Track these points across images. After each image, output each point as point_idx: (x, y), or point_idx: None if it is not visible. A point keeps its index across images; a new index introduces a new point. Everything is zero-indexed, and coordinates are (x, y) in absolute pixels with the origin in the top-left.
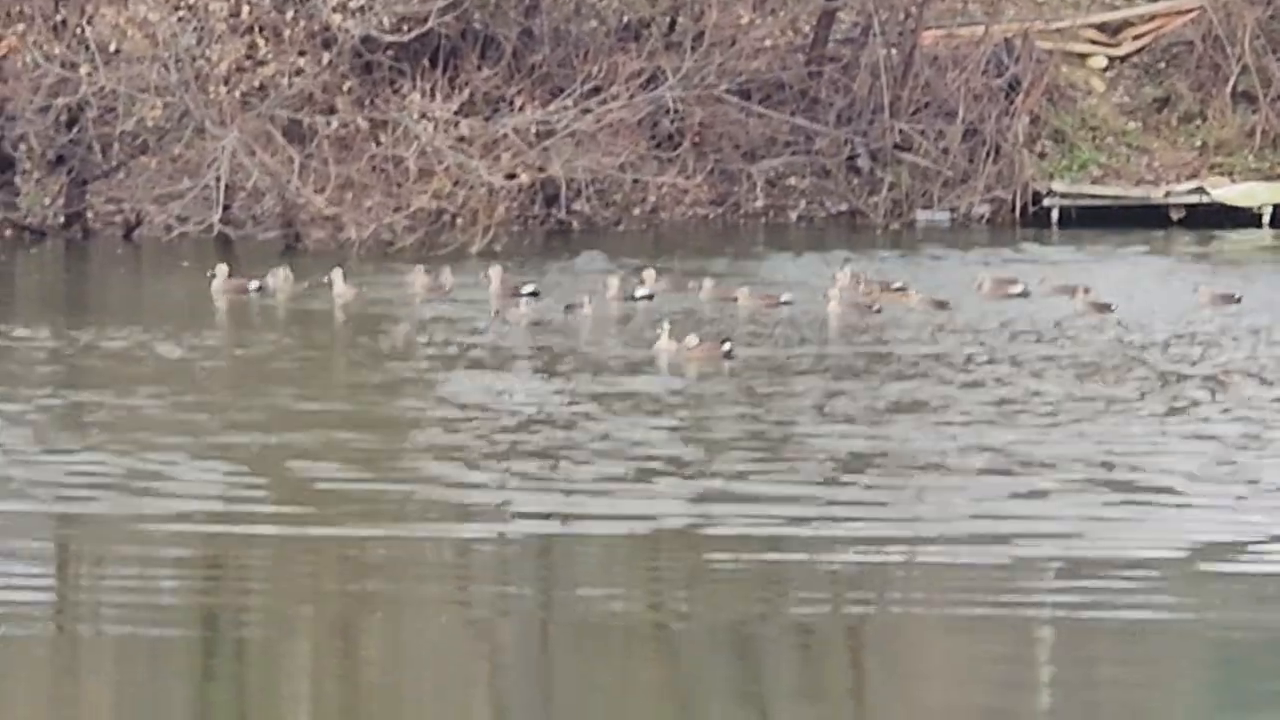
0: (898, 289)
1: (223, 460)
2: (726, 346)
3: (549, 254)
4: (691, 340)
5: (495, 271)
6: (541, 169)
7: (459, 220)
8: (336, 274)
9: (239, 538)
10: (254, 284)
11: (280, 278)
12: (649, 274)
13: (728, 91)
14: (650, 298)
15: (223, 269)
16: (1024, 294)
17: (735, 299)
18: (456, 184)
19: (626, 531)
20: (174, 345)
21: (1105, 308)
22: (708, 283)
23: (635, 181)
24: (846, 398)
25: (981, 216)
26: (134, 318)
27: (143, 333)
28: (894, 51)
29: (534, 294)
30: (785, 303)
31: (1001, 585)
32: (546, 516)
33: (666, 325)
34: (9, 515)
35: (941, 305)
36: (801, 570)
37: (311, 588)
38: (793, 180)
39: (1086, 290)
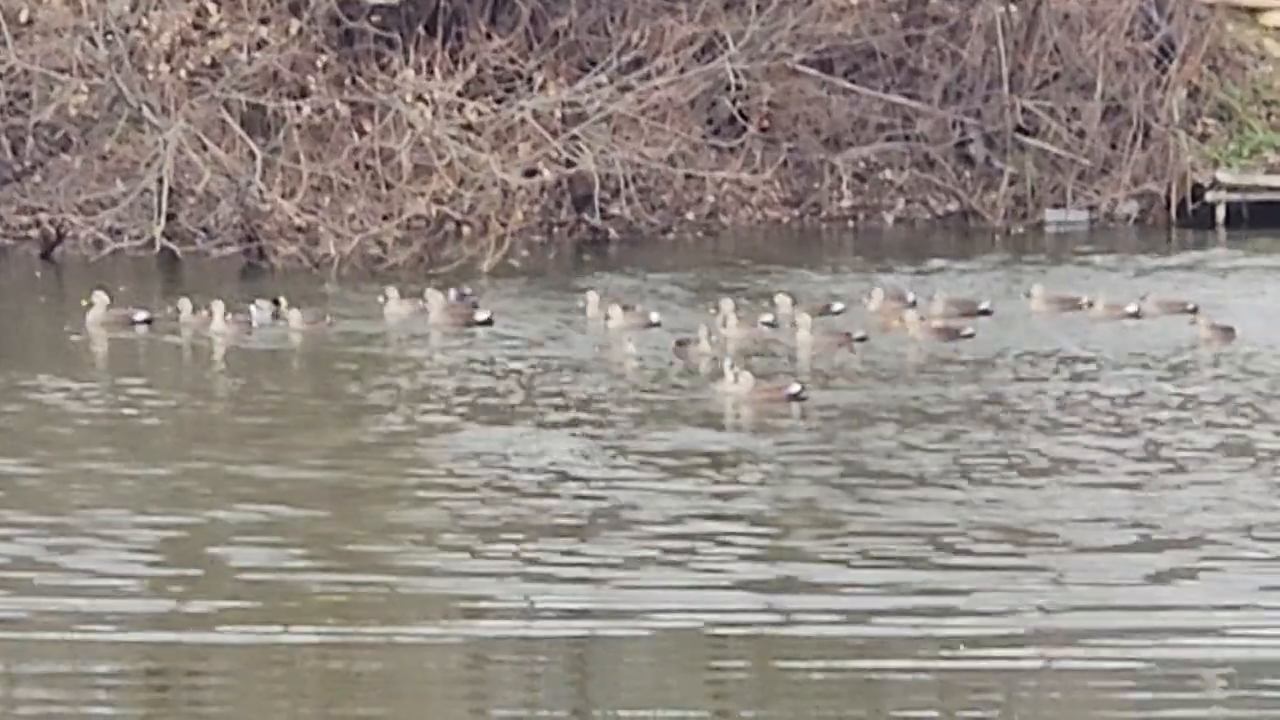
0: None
1: (166, 544)
2: (795, 388)
3: (580, 270)
4: (746, 380)
5: (592, 296)
6: (570, 163)
7: (466, 229)
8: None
9: (190, 647)
10: (140, 315)
11: (266, 311)
12: (726, 305)
13: (803, 63)
14: (773, 324)
15: (101, 298)
16: (1136, 314)
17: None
18: (462, 183)
19: (678, 628)
20: (103, 394)
21: (1228, 333)
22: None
23: (688, 177)
24: (943, 453)
25: (1128, 216)
26: (51, 360)
27: (62, 379)
28: (1014, 9)
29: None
30: (860, 339)
31: (1155, 693)
32: (578, 612)
33: (729, 363)
34: None
35: (955, 332)
36: (902, 678)
37: (287, 712)
38: (889, 174)
39: (1195, 309)
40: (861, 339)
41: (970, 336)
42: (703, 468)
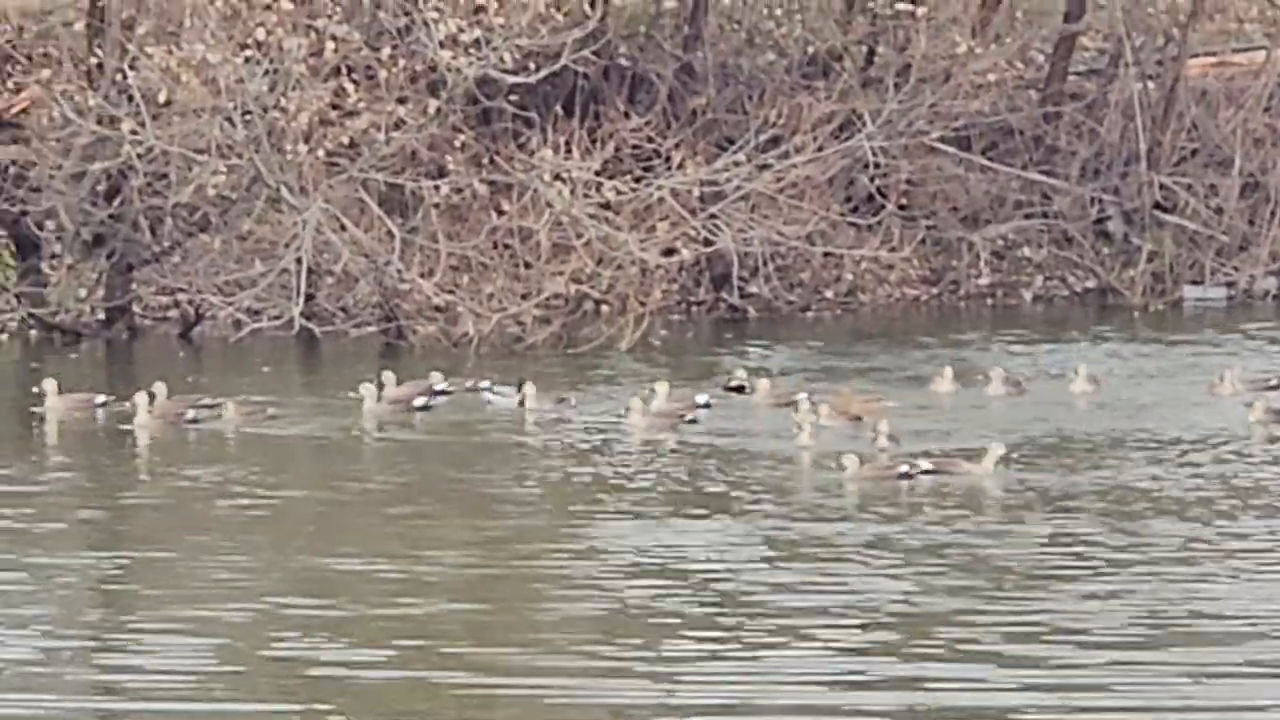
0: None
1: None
2: (904, 468)
3: (719, 348)
4: (850, 462)
5: (765, 385)
6: (708, 242)
7: (604, 308)
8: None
9: None
10: (100, 399)
11: (511, 396)
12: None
13: (941, 140)
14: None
15: (51, 384)
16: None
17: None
18: (600, 262)
19: None
20: (244, 483)
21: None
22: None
23: (827, 255)
24: (1101, 543)
25: (1267, 293)
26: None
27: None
28: (1152, 86)
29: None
30: (691, 421)
31: None
32: (725, 711)
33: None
34: None
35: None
36: None
37: None
38: (1027, 251)
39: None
40: (692, 421)
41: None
42: (817, 554)
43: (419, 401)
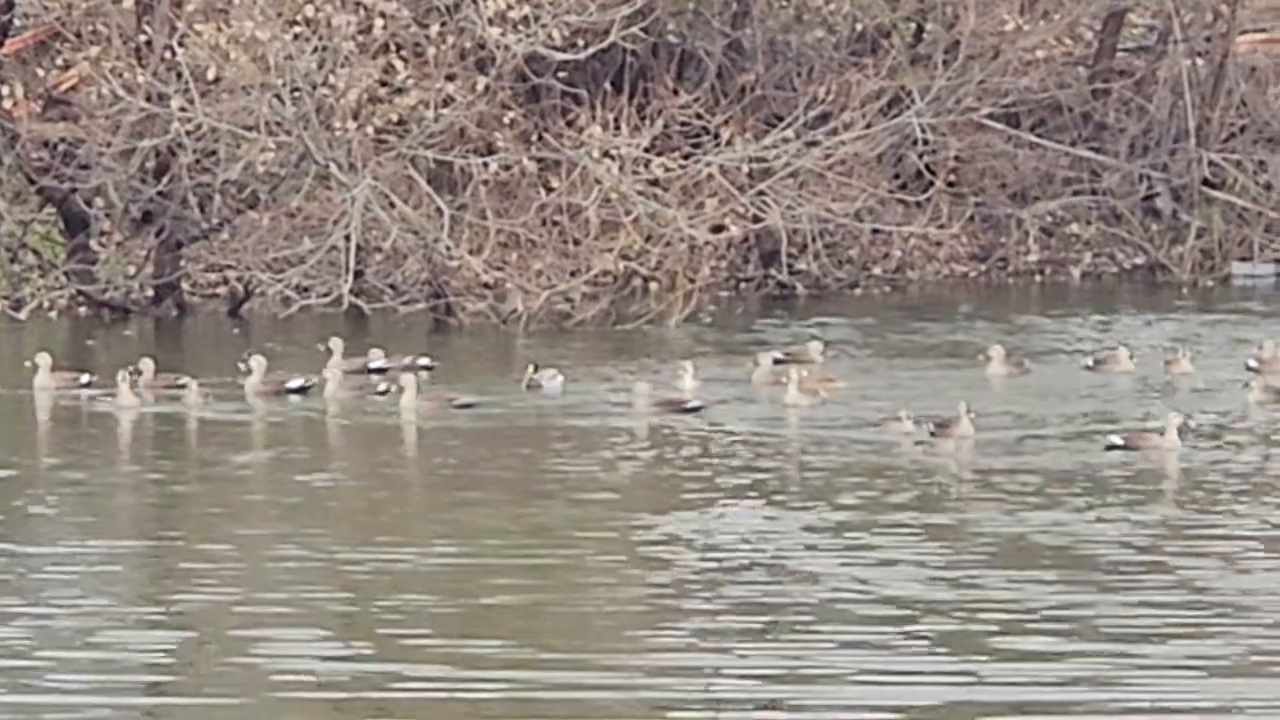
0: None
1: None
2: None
3: (768, 324)
4: (908, 426)
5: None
6: (757, 218)
7: (653, 285)
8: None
9: None
10: (85, 378)
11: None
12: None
13: (990, 117)
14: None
15: (45, 359)
16: None
17: None
18: (649, 239)
19: None
20: (280, 467)
21: None
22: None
23: (875, 232)
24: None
25: None
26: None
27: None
28: (1201, 62)
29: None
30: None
31: None
32: (770, 706)
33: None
34: None
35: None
36: None
37: None
38: (1075, 228)
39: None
40: (465, 405)
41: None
42: (896, 537)
43: (293, 384)
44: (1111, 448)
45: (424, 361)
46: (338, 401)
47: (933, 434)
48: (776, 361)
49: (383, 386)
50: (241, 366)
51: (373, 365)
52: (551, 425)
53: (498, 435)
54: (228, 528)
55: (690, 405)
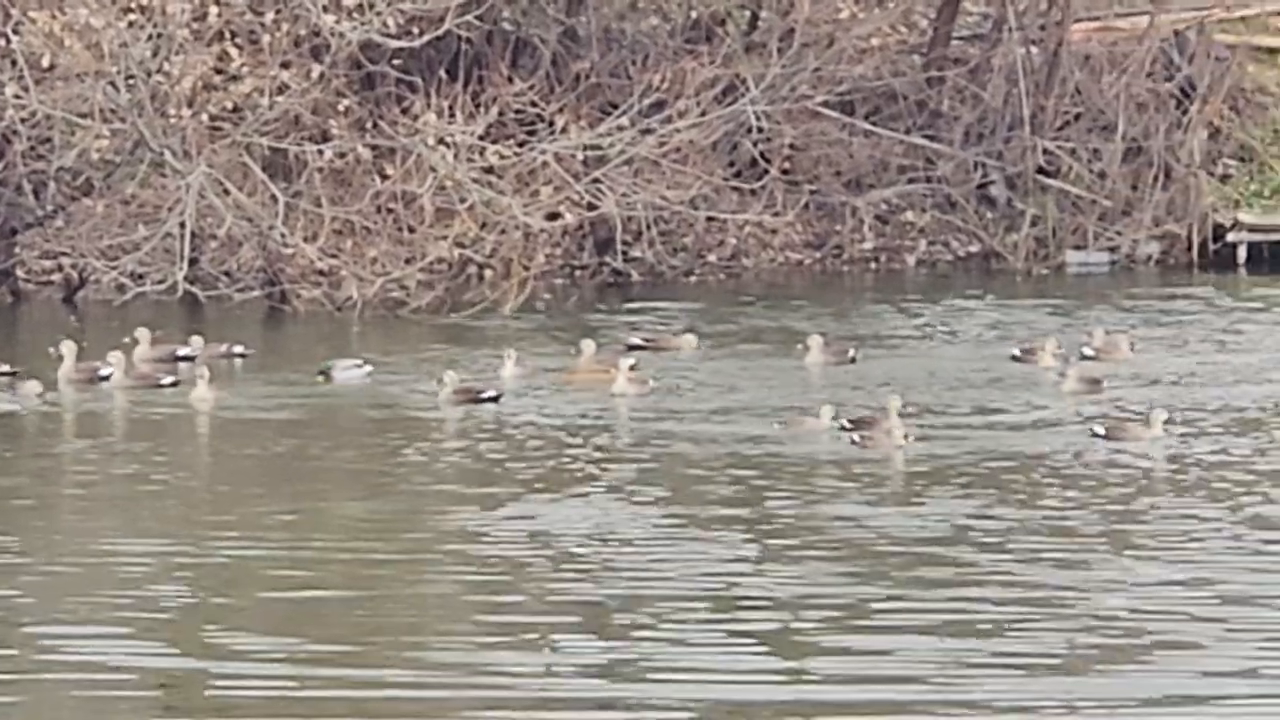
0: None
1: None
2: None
3: (602, 312)
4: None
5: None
6: (592, 206)
7: (488, 273)
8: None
9: None
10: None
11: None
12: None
13: (825, 105)
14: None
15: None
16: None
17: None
18: (484, 227)
19: None
20: (128, 459)
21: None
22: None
23: (710, 220)
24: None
25: (1149, 257)
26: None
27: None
28: (1035, 50)
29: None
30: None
31: None
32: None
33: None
34: None
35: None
36: None
37: None
38: (910, 215)
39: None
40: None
41: None
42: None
43: (104, 372)
44: (1095, 436)
45: (239, 349)
46: (124, 392)
47: (848, 429)
48: (635, 346)
49: (168, 380)
50: (52, 352)
51: (180, 353)
52: (356, 415)
53: (300, 426)
54: (49, 521)
55: (486, 396)
